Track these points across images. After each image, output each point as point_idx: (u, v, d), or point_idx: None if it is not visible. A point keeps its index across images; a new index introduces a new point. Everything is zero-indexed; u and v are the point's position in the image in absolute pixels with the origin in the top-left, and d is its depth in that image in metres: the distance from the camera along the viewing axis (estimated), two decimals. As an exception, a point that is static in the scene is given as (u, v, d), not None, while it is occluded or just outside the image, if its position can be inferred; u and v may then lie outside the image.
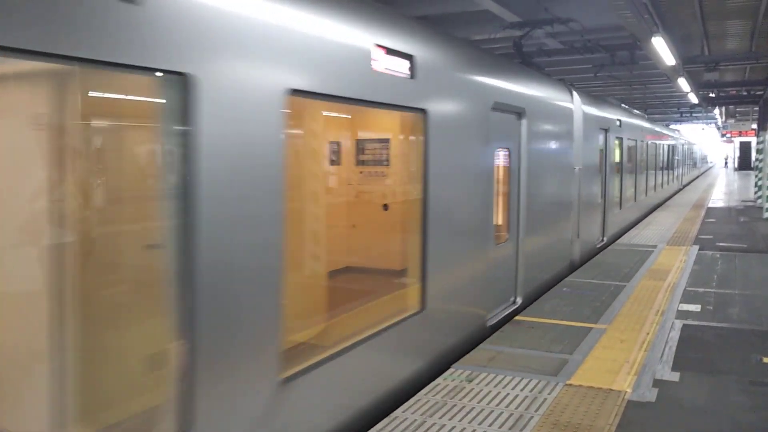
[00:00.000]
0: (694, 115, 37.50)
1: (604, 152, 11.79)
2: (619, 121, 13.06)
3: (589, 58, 15.11)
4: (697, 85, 18.34)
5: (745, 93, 22.01)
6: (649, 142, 18.45)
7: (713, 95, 22.83)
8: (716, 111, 32.84)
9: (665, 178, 23.41)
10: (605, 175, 11.97)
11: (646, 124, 18.30)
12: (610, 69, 16.57)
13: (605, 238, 12.25)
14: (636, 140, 15.66)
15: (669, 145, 24.23)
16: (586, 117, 10.15)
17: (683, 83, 16.12)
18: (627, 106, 18.25)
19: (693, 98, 21.37)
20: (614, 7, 8.57)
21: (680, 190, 29.13)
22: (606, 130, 11.79)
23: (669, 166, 24.56)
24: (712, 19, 11.00)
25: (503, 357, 5.57)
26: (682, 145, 30.91)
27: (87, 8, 2.35)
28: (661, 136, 21.63)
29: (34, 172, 3.23)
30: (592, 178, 10.78)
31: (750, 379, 5.09)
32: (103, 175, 3.58)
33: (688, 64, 14.09)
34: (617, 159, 13.47)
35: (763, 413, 4.45)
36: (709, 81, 16.03)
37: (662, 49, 10.92)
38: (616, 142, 13.31)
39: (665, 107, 33.38)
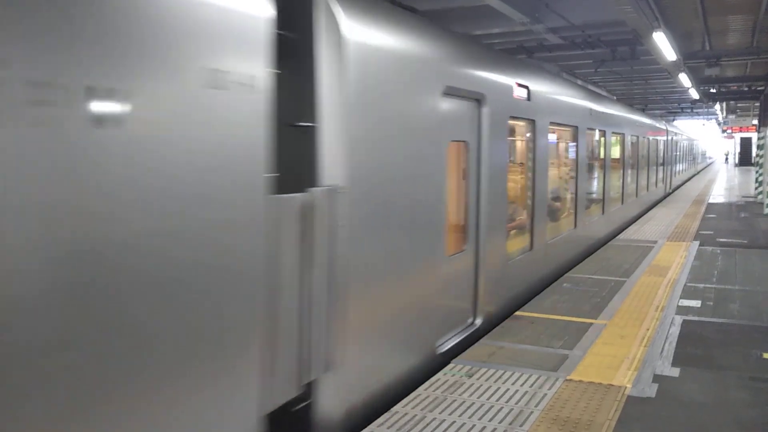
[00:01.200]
0: (695, 110, 37.48)
1: (476, 147, 6.17)
2: (526, 89, 7.34)
3: (589, 54, 15.07)
4: (698, 81, 18.32)
5: (746, 89, 21.99)
6: (613, 133, 12.68)
7: (714, 91, 22.83)
8: (717, 107, 32.83)
9: (642, 183, 16.92)
10: (478, 194, 6.25)
11: (601, 108, 11.65)
12: (610, 64, 16.54)
13: (478, 320, 6.24)
14: (577, 127, 9.82)
15: (651, 140, 18.26)
16: (385, 62, 4.52)
17: (684, 79, 16.10)
18: (578, 79, 13.02)
19: (694, 94, 21.37)
20: (615, 2, 8.55)
21: (668, 195, 23.02)
22: (479, 102, 6.14)
23: (650, 165, 18.38)
24: (714, 14, 10.98)
25: (503, 352, 5.57)
26: (673, 139, 24.53)
27: None
28: (635, 126, 15.27)
29: None
30: (422, 203, 5.05)
31: (750, 374, 5.09)
32: None
33: (689, 59, 14.08)
34: (526, 159, 7.91)
35: (764, 409, 4.44)
36: (710, 76, 16.01)
37: (663, 44, 10.90)
38: (520, 126, 7.75)
39: (666, 103, 33.35)
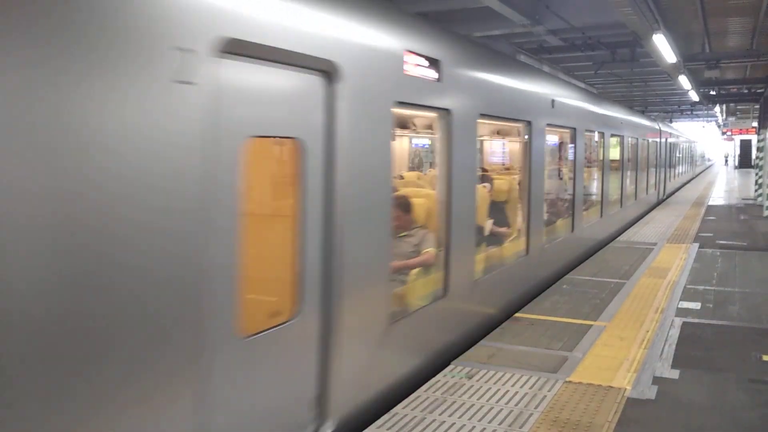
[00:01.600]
0: (694, 112, 37.50)
1: (324, 148, 3.90)
2: (435, 64, 5.12)
3: (589, 56, 15.08)
4: (698, 83, 18.35)
5: (745, 91, 22.02)
6: (590, 132, 10.57)
7: (714, 93, 22.85)
8: (717, 109, 32.86)
9: (630, 190, 14.55)
10: (328, 222, 3.95)
11: (572, 101, 9.41)
12: (610, 66, 16.54)
13: (327, 427, 3.93)
14: (531, 122, 7.44)
15: (642, 141, 16.02)
16: None
17: (684, 81, 16.12)
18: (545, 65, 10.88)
19: (694, 96, 21.39)
20: (615, 4, 8.56)
21: (661, 201, 20.87)
22: (328, 75, 3.87)
23: (641, 168, 16.22)
24: (714, 17, 11.00)
25: (503, 354, 5.57)
26: (668, 140, 22.38)
27: None
28: (621, 125, 13.10)
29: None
30: (166, 246, 2.79)
31: (749, 376, 5.09)
32: None
33: (689, 61, 14.10)
34: (438, 165, 5.73)
35: (763, 411, 4.44)
36: (710, 79, 16.04)
37: (663, 46, 10.91)
38: (423, 119, 6.25)
39: (666, 105, 33.38)
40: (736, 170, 52.46)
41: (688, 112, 37.26)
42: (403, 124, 8.18)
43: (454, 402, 4.53)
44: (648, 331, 6.25)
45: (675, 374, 5.11)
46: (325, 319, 3.93)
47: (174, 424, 2.85)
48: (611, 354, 5.57)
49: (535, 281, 8.00)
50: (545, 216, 8.39)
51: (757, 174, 21.59)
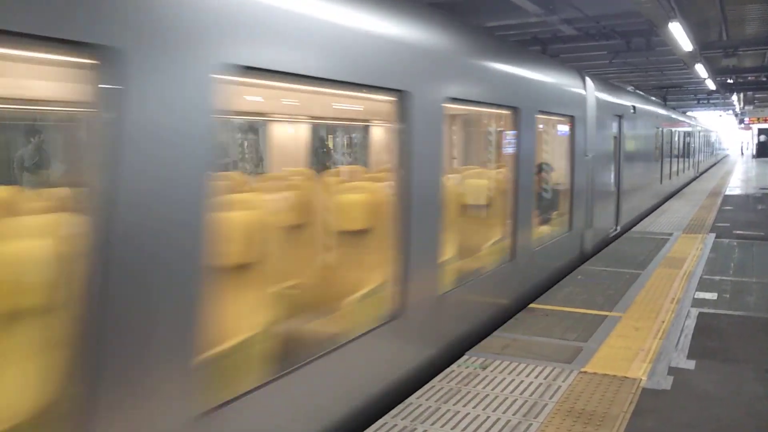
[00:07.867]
0: (711, 101, 37.07)
1: None
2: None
3: (604, 45, 14.96)
4: (715, 71, 18.14)
5: (764, 79, 21.73)
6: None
7: (731, 81, 22.58)
8: (734, 97, 32.47)
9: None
10: None
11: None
12: (625, 56, 16.39)
13: None
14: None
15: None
16: None
17: (700, 69, 15.94)
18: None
19: (710, 84, 21.14)
20: (631, -8, 8.49)
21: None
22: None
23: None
24: (731, 4, 10.86)
25: (517, 344, 5.57)
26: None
27: None
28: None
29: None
30: None
31: (766, 367, 5.06)
32: None
33: (705, 49, 13.94)
34: None
35: (780, 401, 4.42)
36: (727, 67, 15.86)
37: (679, 34, 10.79)
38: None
39: (682, 94, 33.02)
40: (754, 159, 51.87)
41: (705, 101, 36.83)
42: None
43: (469, 392, 4.55)
44: (664, 322, 6.23)
45: (691, 365, 5.10)
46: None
47: None
48: (626, 344, 5.56)
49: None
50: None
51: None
